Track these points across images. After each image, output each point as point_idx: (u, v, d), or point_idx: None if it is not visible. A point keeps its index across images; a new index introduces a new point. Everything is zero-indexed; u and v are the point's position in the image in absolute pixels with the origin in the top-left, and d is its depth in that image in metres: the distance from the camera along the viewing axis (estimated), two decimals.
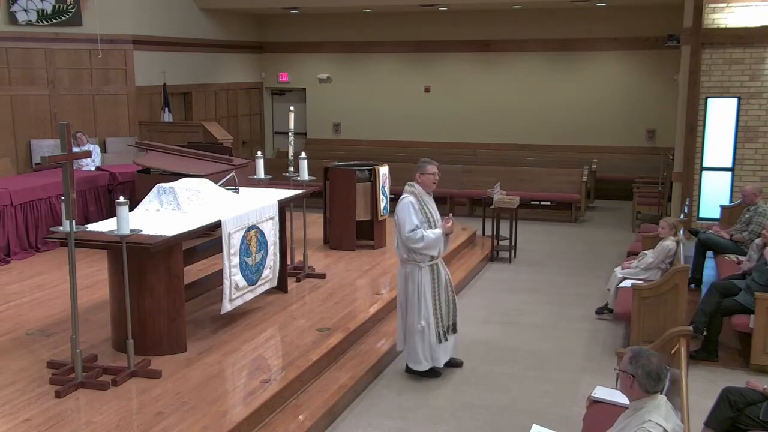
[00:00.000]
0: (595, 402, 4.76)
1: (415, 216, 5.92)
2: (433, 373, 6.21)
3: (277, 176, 9.07)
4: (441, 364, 6.21)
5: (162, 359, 5.72)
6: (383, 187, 9.38)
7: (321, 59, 16.71)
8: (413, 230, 5.89)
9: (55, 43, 12.06)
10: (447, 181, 13.69)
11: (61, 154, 5.00)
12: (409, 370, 6.25)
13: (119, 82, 12.77)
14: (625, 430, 3.57)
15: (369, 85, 16.44)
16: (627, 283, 7.32)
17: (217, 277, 6.68)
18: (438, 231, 5.97)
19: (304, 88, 17.06)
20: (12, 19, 11.64)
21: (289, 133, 8.28)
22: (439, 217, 6.11)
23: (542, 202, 12.98)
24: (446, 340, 6.15)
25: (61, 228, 5.23)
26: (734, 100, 10.33)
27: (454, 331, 6.28)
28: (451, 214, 6.30)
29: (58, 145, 5.61)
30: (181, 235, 5.74)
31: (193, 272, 7.44)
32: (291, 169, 8.16)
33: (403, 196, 6.03)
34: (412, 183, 6.07)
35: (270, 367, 5.74)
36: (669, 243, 7.46)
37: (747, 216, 8.58)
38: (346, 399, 5.69)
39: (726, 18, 10.22)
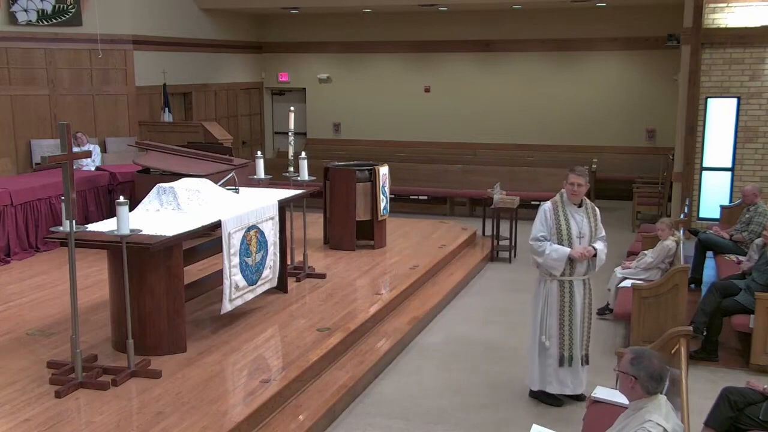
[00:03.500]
0: (595, 402, 4.76)
1: (543, 225, 5.59)
2: (549, 399, 5.72)
3: (277, 176, 9.07)
4: (554, 391, 5.71)
5: (162, 359, 5.71)
6: (383, 187, 9.38)
7: (321, 59, 16.71)
8: (537, 239, 5.57)
9: (55, 43, 12.06)
10: (447, 181, 13.74)
11: (61, 154, 5.00)
12: (532, 394, 5.83)
13: (119, 82, 12.77)
14: (625, 430, 3.57)
15: (369, 85, 16.44)
16: (627, 283, 7.32)
17: (217, 277, 6.68)
18: (564, 250, 5.47)
19: (304, 88, 17.06)
20: (12, 19, 11.64)
21: (289, 133, 8.28)
22: (581, 233, 5.55)
23: (542, 202, 12.94)
24: (570, 365, 5.64)
25: (61, 228, 5.23)
26: (734, 100, 10.34)
27: (587, 362, 5.76)
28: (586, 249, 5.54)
29: (58, 145, 5.59)
30: (181, 235, 5.74)
31: (193, 272, 7.44)
32: (291, 169, 8.16)
33: (544, 202, 5.72)
34: (563, 190, 5.68)
35: (270, 367, 5.74)
36: (669, 243, 7.46)
37: (747, 216, 8.57)
38: (346, 399, 5.69)
39: (726, 18, 10.23)
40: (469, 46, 15.62)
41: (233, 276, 6.27)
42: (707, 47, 10.31)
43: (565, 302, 5.63)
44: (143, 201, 6.57)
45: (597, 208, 5.81)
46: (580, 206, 5.67)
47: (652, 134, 14.72)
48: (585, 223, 5.61)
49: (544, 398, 5.77)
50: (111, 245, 5.53)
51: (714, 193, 10.59)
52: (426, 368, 6.50)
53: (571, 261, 5.55)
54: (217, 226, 6.15)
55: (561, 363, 5.65)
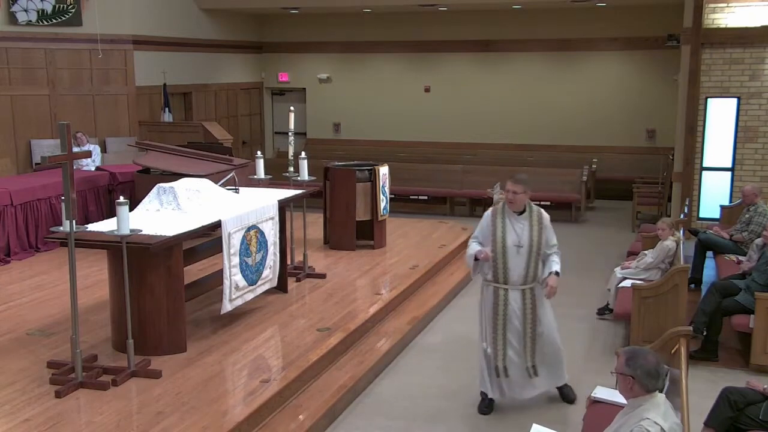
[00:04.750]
0: (595, 402, 4.76)
1: (479, 229, 5.56)
2: (484, 404, 5.58)
3: (277, 176, 9.07)
4: (494, 396, 5.57)
5: (162, 359, 5.71)
6: (383, 187, 9.37)
7: (321, 59, 16.71)
8: (471, 240, 5.61)
9: (55, 43, 12.06)
10: (447, 181, 13.74)
11: (61, 154, 5.00)
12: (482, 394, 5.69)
13: (119, 82, 12.77)
14: (623, 428, 3.57)
15: (369, 85, 16.45)
16: (627, 283, 7.32)
17: (217, 277, 6.67)
18: (473, 248, 5.45)
19: (304, 88, 17.06)
20: (12, 19, 11.64)
21: (289, 133, 8.28)
22: (520, 242, 5.31)
23: (542, 202, 12.95)
24: (507, 376, 5.46)
25: (61, 228, 5.23)
26: (734, 100, 10.33)
27: (535, 374, 5.52)
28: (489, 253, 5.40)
29: (58, 145, 5.60)
30: (181, 235, 5.74)
31: (193, 272, 7.44)
32: (291, 169, 8.16)
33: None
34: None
35: (270, 367, 5.74)
36: (669, 243, 7.45)
37: (747, 216, 8.58)
38: (346, 399, 5.69)
39: (726, 18, 10.23)
40: (469, 46, 15.62)
41: (233, 276, 6.27)
42: (707, 47, 10.31)
43: (499, 311, 5.43)
44: (143, 201, 6.57)
45: (546, 215, 5.50)
46: (521, 214, 5.40)
47: (652, 134, 14.72)
48: (526, 232, 5.35)
49: (481, 401, 5.63)
50: (111, 245, 5.54)
51: (714, 193, 10.59)
52: (426, 368, 6.50)
53: (504, 269, 5.38)
54: (217, 226, 6.16)
55: (497, 374, 5.48)
